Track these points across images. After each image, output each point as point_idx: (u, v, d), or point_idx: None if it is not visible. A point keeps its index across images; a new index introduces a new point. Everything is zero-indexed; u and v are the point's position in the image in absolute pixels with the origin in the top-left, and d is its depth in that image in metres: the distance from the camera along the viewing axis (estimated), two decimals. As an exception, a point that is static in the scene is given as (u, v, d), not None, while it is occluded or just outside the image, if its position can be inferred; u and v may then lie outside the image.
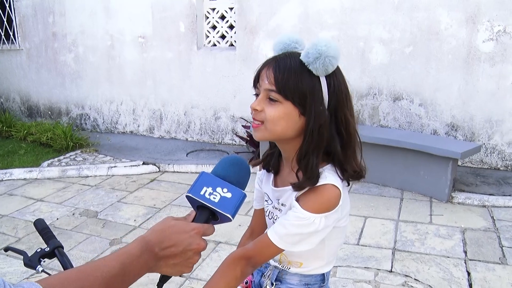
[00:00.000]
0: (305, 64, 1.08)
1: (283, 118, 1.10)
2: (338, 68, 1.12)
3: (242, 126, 6.01)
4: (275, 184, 1.28)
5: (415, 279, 3.12)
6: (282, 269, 1.31)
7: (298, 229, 1.11)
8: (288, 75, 1.08)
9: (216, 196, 0.90)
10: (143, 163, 5.61)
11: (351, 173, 1.15)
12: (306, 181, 1.12)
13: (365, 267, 3.27)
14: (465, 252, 3.49)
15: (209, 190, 0.91)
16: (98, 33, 6.84)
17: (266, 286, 1.34)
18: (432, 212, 4.22)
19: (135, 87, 6.83)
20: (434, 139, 4.95)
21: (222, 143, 6.49)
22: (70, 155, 5.97)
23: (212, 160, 5.69)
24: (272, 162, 1.29)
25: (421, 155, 4.52)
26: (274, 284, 1.32)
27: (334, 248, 1.27)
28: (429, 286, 3.03)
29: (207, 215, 0.92)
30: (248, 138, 5.68)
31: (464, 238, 3.71)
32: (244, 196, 0.92)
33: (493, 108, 5.06)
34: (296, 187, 1.14)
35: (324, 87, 1.09)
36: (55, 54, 7.22)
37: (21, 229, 3.96)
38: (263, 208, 1.38)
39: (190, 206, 0.94)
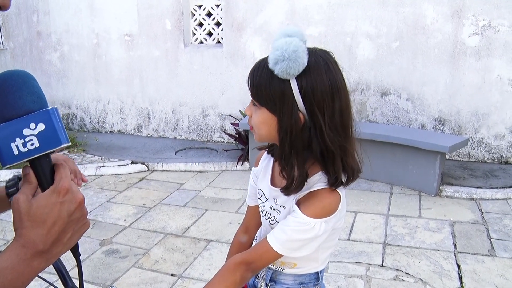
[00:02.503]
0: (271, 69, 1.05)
1: (263, 123, 1.12)
2: (318, 65, 1.05)
3: (231, 123, 6.00)
4: (273, 183, 1.27)
5: (406, 272, 3.15)
6: (276, 270, 1.31)
7: (299, 235, 1.10)
8: (260, 81, 1.08)
9: (32, 139, 0.68)
10: (132, 162, 5.57)
11: (333, 180, 1.11)
12: (292, 186, 1.11)
13: (356, 262, 3.29)
14: (455, 245, 3.53)
15: (19, 142, 0.68)
16: (83, 32, 6.77)
17: (260, 287, 1.33)
18: (421, 206, 4.26)
19: (122, 86, 6.78)
20: (421, 133, 4.99)
21: (211, 140, 6.47)
22: (57, 156, 5.90)
23: (201, 158, 5.67)
24: (276, 149, 1.27)
25: (409, 149, 4.55)
26: (269, 284, 1.32)
27: (329, 250, 1.27)
28: (420, 279, 3.06)
29: (47, 163, 0.72)
30: (237, 136, 5.67)
31: (453, 231, 3.75)
32: (54, 109, 0.70)
33: (479, 102, 5.12)
34: (284, 190, 1.14)
35: (295, 90, 1.04)
36: (40, 53, 7.14)
37: (10, 231, 3.91)
38: (258, 205, 1.36)
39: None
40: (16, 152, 0.68)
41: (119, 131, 7.02)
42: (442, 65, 5.15)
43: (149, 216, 4.18)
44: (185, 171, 5.43)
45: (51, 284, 1.34)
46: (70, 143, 0.72)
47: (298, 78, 1.04)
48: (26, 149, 0.68)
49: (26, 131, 0.68)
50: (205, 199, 4.56)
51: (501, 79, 4.98)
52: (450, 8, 4.98)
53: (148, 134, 6.84)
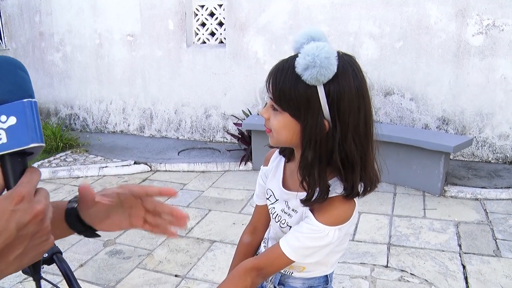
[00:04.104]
0: (298, 73, 1.01)
1: (284, 128, 1.08)
2: (346, 72, 1.02)
3: (234, 123, 5.98)
4: (285, 185, 1.24)
5: (411, 273, 3.13)
6: (285, 273, 1.29)
7: (313, 242, 1.09)
8: (284, 84, 1.04)
9: (0, 133, 0.59)
10: (135, 163, 5.56)
11: (349, 191, 1.09)
12: (313, 199, 1.08)
13: (361, 263, 3.27)
14: (460, 246, 3.51)
15: None
16: (86, 32, 6.76)
17: (269, 290, 1.32)
18: (425, 206, 4.24)
19: (125, 86, 6.77)
20: (425, 133, 4.97)
21: (214, 141, 6.46)
22: (60, 156, 5.90)
23: (204, 158, 5.66)
24: (287, 150, 1.25)
25: (413, 149, 4.53)
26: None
27: (339, 254, 1.25)
28: (425, 280, 3.04)
29: (19, 164, 0.61)
30: (240, 136, 5.66)
31: (458, 232, 3.73)
32: (31, 102, 0.61)
33: (483, 101, 5.10)
34: (305, 202, 1.10)
35: (322, 97, 1.01)
36: (43, 53, 7.13)
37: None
38: (266, 205, 1.34)
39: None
40: None
41: (121, 131, 7.02)
42: (446, 65, 5.13)
43: (152, 216, 4.16)
44: (188, 171, 5.42)
45: (55, 285, 1.33)
46: (43, 144, 0.62)
47: (326, 84, 1.01)
48: None
49: None
50: (208, 199, 4.55)
51: (505, 78, 4.95)
52: (454, 7, 4.96)
53: (151, 134, 6.83)
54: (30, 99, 0.61)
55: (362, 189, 1.11)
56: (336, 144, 1.04)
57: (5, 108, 0.59)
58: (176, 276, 3.18)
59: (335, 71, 1.00)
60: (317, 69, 0.98)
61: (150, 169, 5.48)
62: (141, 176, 5.30)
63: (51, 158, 5.81)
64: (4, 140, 0.59)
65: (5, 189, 0.62)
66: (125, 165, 5.48)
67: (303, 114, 1.04)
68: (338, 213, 1.08)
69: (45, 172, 5.28)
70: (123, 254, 3.49)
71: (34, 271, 0.68)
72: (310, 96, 1.02)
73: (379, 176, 1.13)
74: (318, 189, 1.07)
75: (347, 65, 1.03)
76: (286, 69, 1.04)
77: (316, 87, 1.01)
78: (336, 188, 1.09)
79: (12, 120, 0.59)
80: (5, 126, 0.59)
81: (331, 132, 1.04)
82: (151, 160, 5.65)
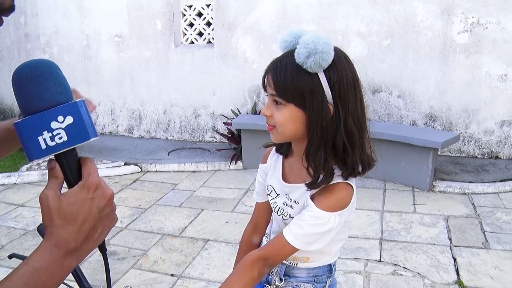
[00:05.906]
0: (299, 63, 1.07)
1: (289, 120, 1.12)
2: (341, 58, 1.10)
3: (224, 123, 6.00)
4: (285, 179, 1.28)
5: (404, 267, 3.19)
6: (289, 265, 1.32)
7: (315, 229, 1.13)
8: (285, 77, 1.09)
9: (60, 132, 0.65)
10: (125, 164, 5.55)
11: (350, 170, 1.14)
12: (320, 179, 1.12)
13: (354, 258, 3.32)
14: (450, 239, 3.58)
15: (47, 135, 0.64)
16: (73, 33, 6.71)
17: (275, 282, 1.35)
18: (415, 201, 4.31)
19: (113, 87, 6.74)
20: (413, 130, 5.04)
21: (203, 140, 6.47)
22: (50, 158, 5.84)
23: (194, 158, 5.67)
24: (284, 148, 1.30)
25: (402, 146, 4.60)
26: (283, 279, 1.33)
27: (341, 242, 1.29)
28: (418, 273, 3.10)
29: (73, 157, 0.69)
30: (230, 135, 5.67)
31: (448, 225, 3.81)
32: (82, 101, 0.67)
33: (469, 98, 5.19)
34: (310, 185, 1.14)
35: (324, 83, 1.07)
36: (29, 55, 7.05)
37: (4, 236, 3.87)
38: (266, 202, 1.37)
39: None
40: (43, 146, 0.65)
41: (110, 132, 6.98)
42: (433, 62, 5.21)
43: (145, 217, 4.16)
44: (178, 171, 5.42)
45: (64, 283, 1.34)
46: (98, 137, 0.69)
47: (326, 71, 1.07)
48: (54, 143, 0.65)
49: (54, 124, 0.65)
50: (200, 199, 4.56)
51: (490, 75, 5.06)
52: (439, 6, 5.05)
53: (140, 135, 6.81)
54: (81, 99, 0.68)
55: (361, 168, 1.16)
56: (340, 127, 1.10)
57: (61, 109, 0.65)
58: (172, 275, 3.19)
59: (333, 56, 1.06)
60: (319, 55, 1.04)
61: (140, 170, 5.47)
62: (131, 177, 5.29)
63: (40, 161, 5.76)
64: (65, 138, 0.66)
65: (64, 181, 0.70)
66: (115, 166, 5.46)
67: (308, 102, 1.09)
68: (338, 199, 1.13)
69: (34, 175, 5.24)
70: (117, 255, 3.49)
71: (102, 245, 0.77)
72: (313, 83, 1.08)
73: (375, 155, 1.20)
74: (323, 173, 1.12)
75: (339, 53, 1.11)
76: (284, 63, 1.10)
77: (317, 74, 1.07)
78: (336, 175, 1.14)
79: (69, 120, 0.66)
80: (63, 125, 0.65)
81: (335, 116, 1.10)
82: (141, 160, 5.64)
